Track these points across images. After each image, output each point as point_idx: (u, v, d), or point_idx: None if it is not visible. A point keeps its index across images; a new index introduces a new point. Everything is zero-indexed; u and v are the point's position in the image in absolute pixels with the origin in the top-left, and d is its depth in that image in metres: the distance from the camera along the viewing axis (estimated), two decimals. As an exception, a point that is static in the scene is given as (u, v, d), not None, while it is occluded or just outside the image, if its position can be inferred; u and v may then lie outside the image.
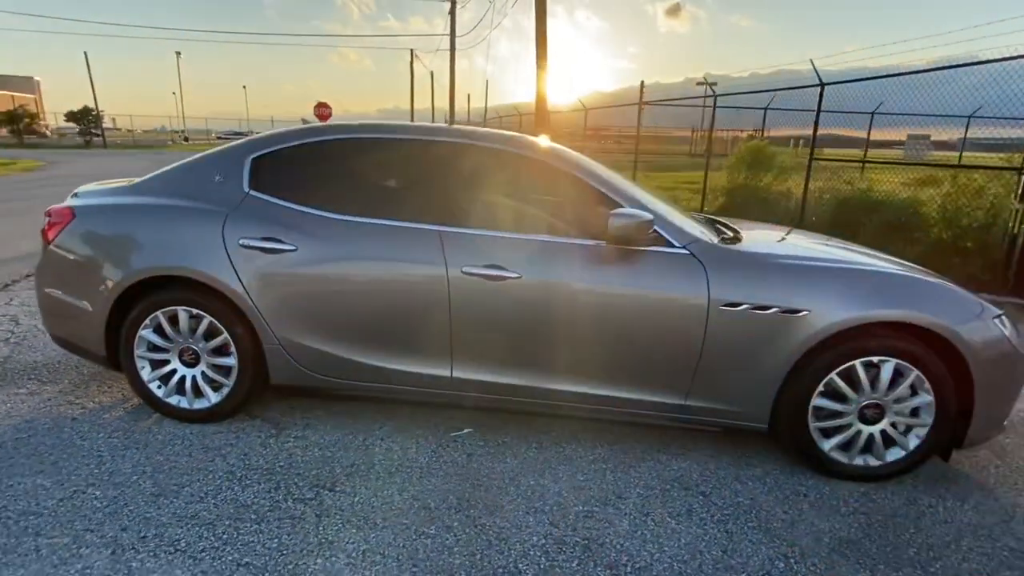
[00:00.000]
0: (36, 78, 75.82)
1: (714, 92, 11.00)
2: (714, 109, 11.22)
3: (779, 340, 2.47)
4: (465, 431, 2.91)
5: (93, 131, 40.73)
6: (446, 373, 2.69)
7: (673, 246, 2.56)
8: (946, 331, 2.41)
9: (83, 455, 2.56)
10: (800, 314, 2.45)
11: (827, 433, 2.59)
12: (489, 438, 2.86)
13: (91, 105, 40.03)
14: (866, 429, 2.57)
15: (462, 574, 1.97)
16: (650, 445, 2.85)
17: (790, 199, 9.63)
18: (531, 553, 2.08)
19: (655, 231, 2.55)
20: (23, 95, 62.26)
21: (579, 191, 2.69)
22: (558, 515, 2.30)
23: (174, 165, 2.98)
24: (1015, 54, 5.85)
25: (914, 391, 2.51)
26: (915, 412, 2.54)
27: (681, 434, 2.95)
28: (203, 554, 2.00)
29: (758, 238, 2.98)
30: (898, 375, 2.49)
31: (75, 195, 3.06)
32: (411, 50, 40.37)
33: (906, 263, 2.90)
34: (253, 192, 2.75)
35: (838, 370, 2.49)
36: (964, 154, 16.83)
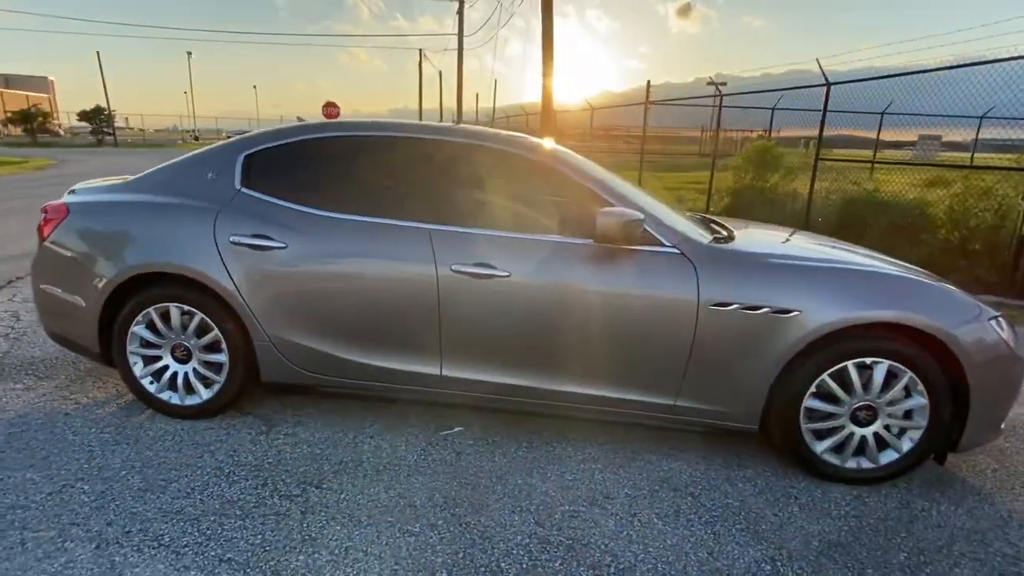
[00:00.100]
0: (51, 78, 76.70)
1: (720, 92, 10.92)
2: (719, 109, 11.15)
3: (770, 340, 2.44)
4: (455, 430, 2.90)
5: (105, 130, 41.17)
6: (435, 371, 2.69)
7: (663, 245, 2.54)
8: (940, 333, 2.38)
9: (74, 450, 2.58)
10: (791, 314, 2.42)
11: (819, 435, 2.56)
12: (479, 437, 2.85)
13: (103, 104, 40.45)
14: (859, 431, 2.53)
15: (443, 572, 1.96)
16: (641, 446, 2.83)
17: (796, 200, 9.56)
18: (514, 552, 2.07)
19: (645, 230, 2.52)
20: (38, 95, 63.01)
21: (570, 189, 2.68)
22: (544, 514, 2.29)
23: (169, 162, 3.00)
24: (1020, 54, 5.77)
25: (908, 393, 2.48)
26: (909, 414, 2.51)
27: (673, 435, 2.93)
28: (186, 549, 2.01)
29: (751, 238, 2.95)
30: (891, 377, 2.46)
31: (72, 192, 3.09)
32: (420, 50, 40.49)
33: (907, 265, 2.86)
34: (244, 189, 2.76)
35: (830, 371, 2.46)
36: (976, 155, 16.65)
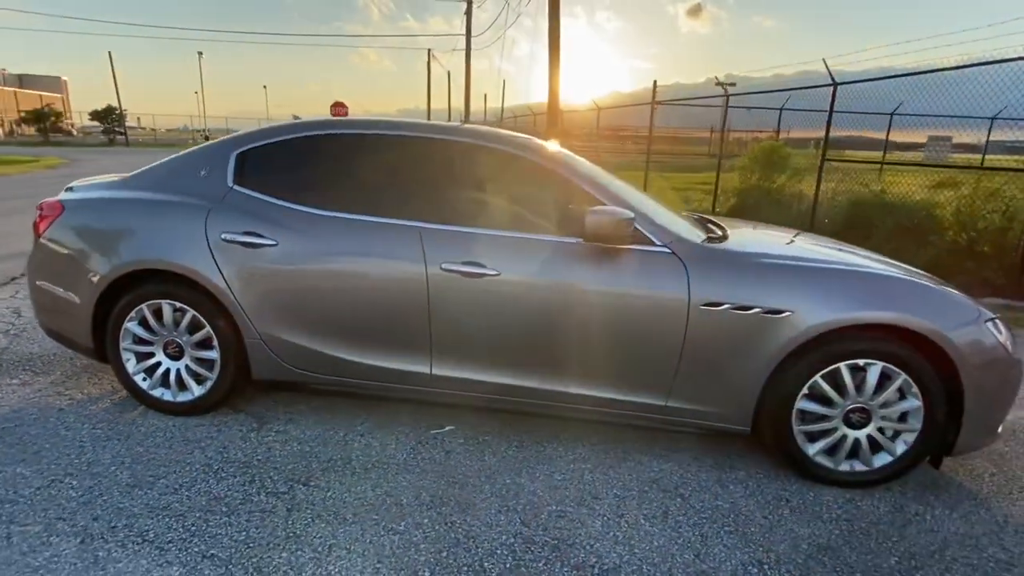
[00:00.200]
0: (64, 78, 77.51)
1: (726, 92, 10.86)
2: (725, 109, 11.08)
3: (761, 341, 2.42)
4: (446, 428, 2.89)
5: (117, 130, 41.55)
6: (425, 370, 2.68)
7: (654, 245, 2.52)
8: (934, 334, 2.34)
9: (65, 445, 2.59)
10: (783, 315, 2.39)
11: (812, 437, 2.53)
12: (470, 436, 2.84)
13: (115, 104, 40.83)
14: (852, 433, 2.50)
15: (426, 571, 1.95)
16: (633, 446, 2.81)
17: (802, 201, 9.48)
18: (498, 552, 2.06)
19: (636, 229, 2.50)
20: (51, 94, 63.73)
21: (561, 188, 2.66)
22: (530, 514, 2.28)
23: (163, 160, 3.01)
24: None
25: (902, 395, 2.44)
26: (903, 417, 2.47)
27: (665, 436, 2.90)
28: (170, 545, 2.01)
29: (744, 237, 2.92)
30: (885, 379, 2.43)
31: (68, 189, 3.11)
32: (428, 50, 40.57)
33: (907, 267, 2.81)
34: (237, 187, 2.76)
35: (823, 372, 2.43)
36: (988, 157, 16.46)
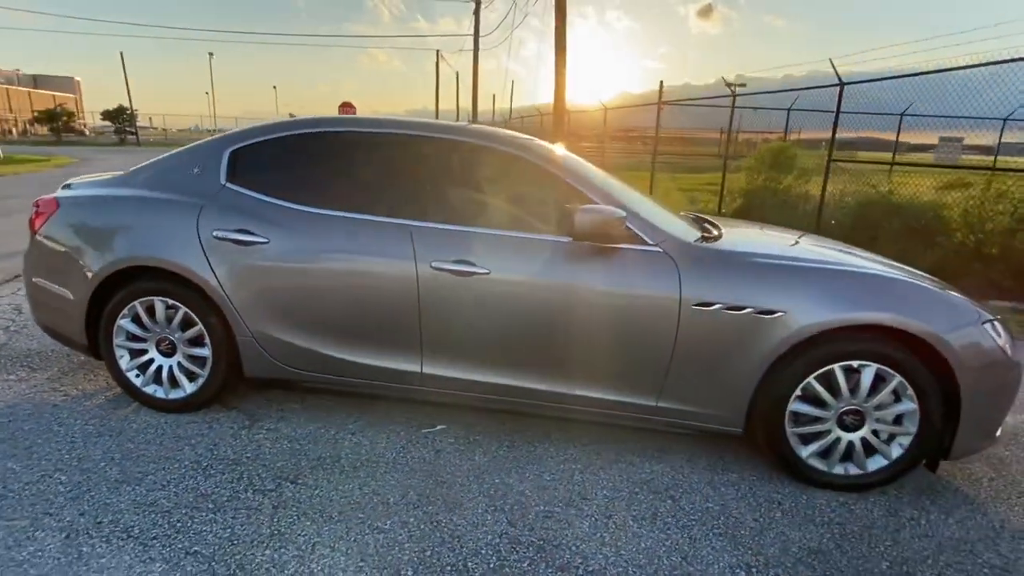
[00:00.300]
0: (76, 78, 78.30)
1: (733, 93, 10.77)
2: (732, 110, 11.01)
3: (754, 341, 2.39)
4: (438, 427, 2.88)
5: (128, 130, 41.91)
6: (416, 369, 2.67)
7: (646, 244, 2.49)
8: (930, 336, 2.30)
9: (57, 441, 2.60)
10: (775, 315, 2.36)
11: (805, 439, 2.50)
12: (461, 435, 2.83)
13: (126, 104, 41.19)
14: (846, 436, 2.47)
15: (409, 570, 1.94)
16: (625, 447, 2.78)
17: (809, 202, 9.41)
18: (483, 552, 2.05)
19: (627, 228, 2.48)
20: (64, 94, 64.43)
21: (553, 186, 2.64)
22: (517, 514, 2.26)
23: (159, 158, 3.02)
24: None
25: (897, 398, 2.41)
26: (898, 420, 2.43)
27: (659, 437, 2.88)
28: (154, 541, 2.01)
29: (738, 237, 2.89)
30: (880, 380, 2.39)
31: (66, 186, 3.12)
32: (437, 51, 40.62)
33: (909, 269, 2.76)
34: (229, 184, 2.76)
35: (816, 374, 2.40)
36: (1000, 158, 16.27)
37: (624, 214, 2.45)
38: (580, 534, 2.17)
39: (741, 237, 2.92)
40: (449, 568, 1.96)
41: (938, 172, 8.66)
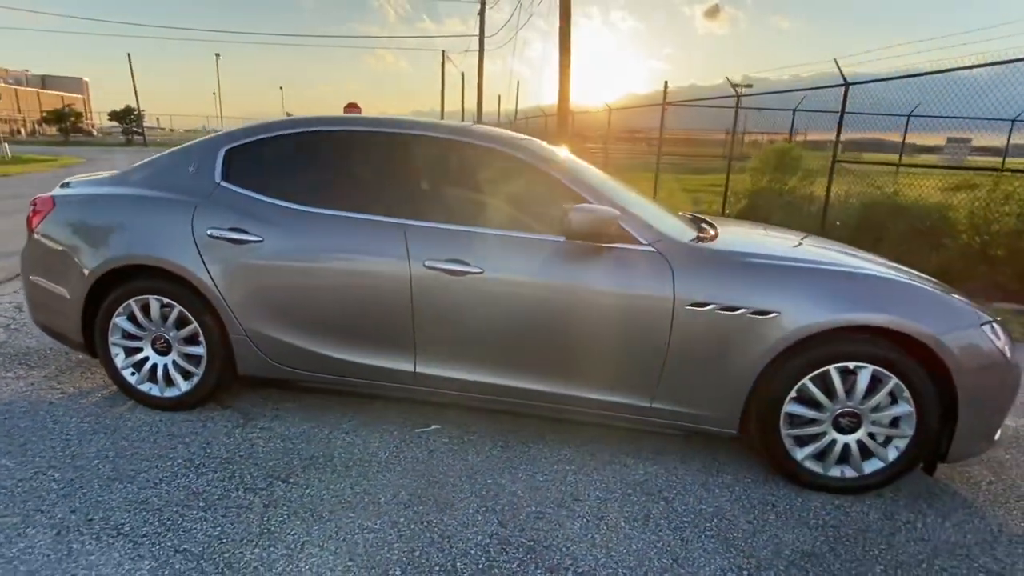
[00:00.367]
0: (84, 79, 78.86)
1: (737, 93, 10.73)
2: (736, 111, 10.97)
3: (748, 342, 2.37)
4: (432, 427, 2.87)
5: (135, 130, 42.17)
6: (409, 368, 2.66)
7: (639, 243, 2.48)
8: (927, 337, 2.28)
9: (52, 438, 2.61)
10: (770, 315, 2.34)
11: (801, 441, 2.48)
12: (455, 435, 2.82)
13: (133, 105, 41.44)
14: (842, 438, 2.44)
15: (397, 570, 1.93)
16: (619, 448, 2.77)
17: (813, 203, 9.36)
18: (472, 552, 2.04)
19: (621, 227, 2.47)
20: (72, 95, 64.88)
21: (548, 185, 2.63)
22: (508, 515, 2.25)
23: (155, 156, 3.03)
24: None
25: (893, 400, 2.38)
26: (895, 422, 2.41)
27: (654, 438, 2.86)
28: (144, 539, 2.01)
29: (734, 237, 2.87)
30: (876, 382, 2.36)
31: (63, 185, 3.14)
32: (443, 51, 40.70)
33: (912, 272, 2.74)
34: (224, 183, 2.77)
35: (811, 375, 2.38)
36: (1009, 160, 16.15)
37: (617, 213, 2.43)
38: (571, 535, 2.15)
39: (737, 237, 2.90)
40: (438, 568, 1.95)
41: (945, 173, 8.58)
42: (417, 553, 2.02)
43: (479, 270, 2.50)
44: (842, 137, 8.06)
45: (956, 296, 2.50)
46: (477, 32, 31.07)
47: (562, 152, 2.94)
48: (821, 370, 2.37)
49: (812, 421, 2.43)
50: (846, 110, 7.87)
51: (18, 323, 4.05)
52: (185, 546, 1.98)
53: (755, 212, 9.68)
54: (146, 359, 2.88)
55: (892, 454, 2.43)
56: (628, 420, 2.60)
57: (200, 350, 2.79)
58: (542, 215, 2.62)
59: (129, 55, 37.16)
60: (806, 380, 2.38)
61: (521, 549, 2.07)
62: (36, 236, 2.91)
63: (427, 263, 2.52)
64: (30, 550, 1.93)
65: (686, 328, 2.40)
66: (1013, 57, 5.99)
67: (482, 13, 31.23)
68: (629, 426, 2.64)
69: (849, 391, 2.38)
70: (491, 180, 2.72)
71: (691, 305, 2.39)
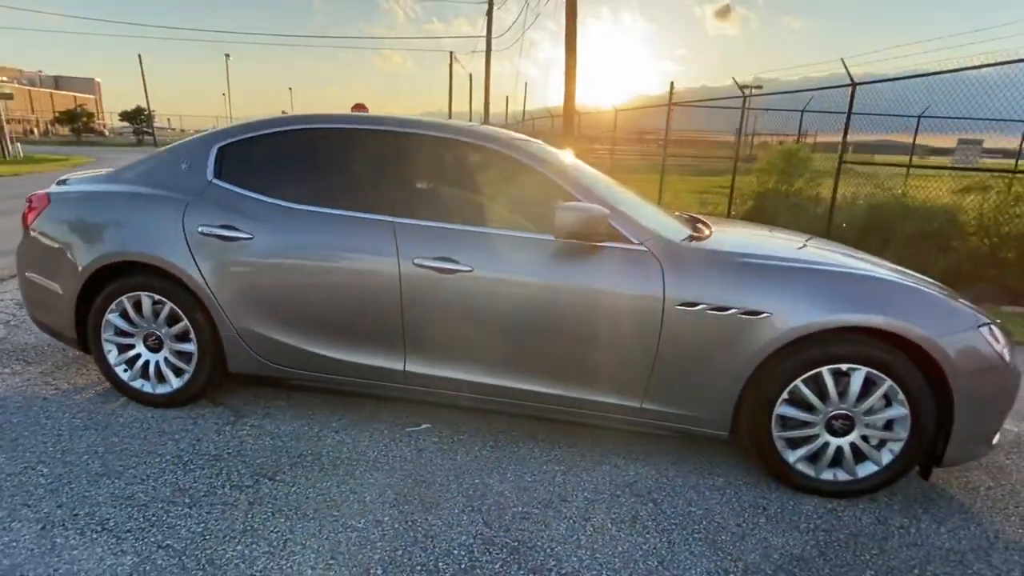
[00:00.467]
0: (97, 79, 79.69)
1: (743, 94, 10.66)
2: (743, 112, 10.89)
3: (739, 343, 2.34)
4: (423, 426, 2.86)
5: (145, 130, 42.56)
6: (399, 367, 2.65)
7: (630, 242, 2.45)
8: (922, 339, 2.24)
9: (43, 434, 2.62)
10: (761, 316, 2.31)
11: (793, 444, 2.44)
12: (445, 434, 2.80)
13: (144, 105, 41.82)
14: (834, 441, 2.40)
15: (379, 569, 1.92)
16: (610, 449, 2.74)
17: (819, 204, 9.27)
18: (455, 552, 2.02)
19: (611, 226, 2.44)
20: (84, 95, 65.57)
21: (538, 184, 2.61)
22: (494, 515, 2.23)
23: (150, 154, 3.04)
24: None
25: (888, 402, 2.34)
26: (888, 425, 2.37)
27: (646, 439, 2.83)
28: (127, 534, 2.01)
29: (727, 236, 2.84)
30: (870, 384, 2.32)
31: (60, 182, 3.16)
32: (451, 52, 40.75)
33: (913, 274, 2.69)
34: (216, 181, 2.77)
35: (804, 377, 2.34)
36: (1022, 161, 15.94)
37: (607, 211, 2.41)
38: (556, 536, 2.13)
39: (731, 237, 2.87)
40: (420, 568, 1.94)
41: (955, 175, 8.47)
42: (400, 552, 2.00)
43: (468, 268, 2.48)
44: (855, 139, 7.97)
45: (956, 298, 2.46)
46: (483, 33, 31.10)
47: (556, 151, 2.92)
48: (814, 372, 2.33)
49: (804, 423, 2.40)
50: (853, 110, 7.79)
51: (18, 320, 4.07)
52: (168, 542, 1.98)
53: (761, 214, 9.61)
54: (138, 356, 2.89)
55: (886, 457, 2.39)
56: (619, 421, 2.57)
57: (191, 347, 2.80)
58: (533, 213, 2.60)
59: (140, 56, 37.53)
60: (798, 382, 2.35)
61: (505, 550, 2.05)
62: (31, 232, 2.93)
63: (416, 261, 2.51)
64: (14, 544, 1.94)
65: (676, 328, 2.37)
66: (1019, 57, 5.91)
67: (490, 13, 31.26)
68: (620, 427, 2.61)
69: (842, 393, 2.35)
70: (481, 178, 2.70)
71: (681, 305, 2.36)
